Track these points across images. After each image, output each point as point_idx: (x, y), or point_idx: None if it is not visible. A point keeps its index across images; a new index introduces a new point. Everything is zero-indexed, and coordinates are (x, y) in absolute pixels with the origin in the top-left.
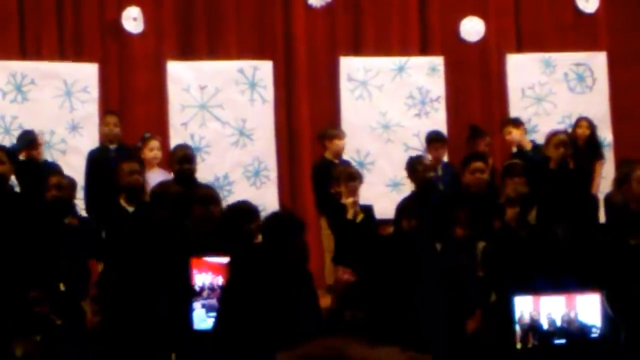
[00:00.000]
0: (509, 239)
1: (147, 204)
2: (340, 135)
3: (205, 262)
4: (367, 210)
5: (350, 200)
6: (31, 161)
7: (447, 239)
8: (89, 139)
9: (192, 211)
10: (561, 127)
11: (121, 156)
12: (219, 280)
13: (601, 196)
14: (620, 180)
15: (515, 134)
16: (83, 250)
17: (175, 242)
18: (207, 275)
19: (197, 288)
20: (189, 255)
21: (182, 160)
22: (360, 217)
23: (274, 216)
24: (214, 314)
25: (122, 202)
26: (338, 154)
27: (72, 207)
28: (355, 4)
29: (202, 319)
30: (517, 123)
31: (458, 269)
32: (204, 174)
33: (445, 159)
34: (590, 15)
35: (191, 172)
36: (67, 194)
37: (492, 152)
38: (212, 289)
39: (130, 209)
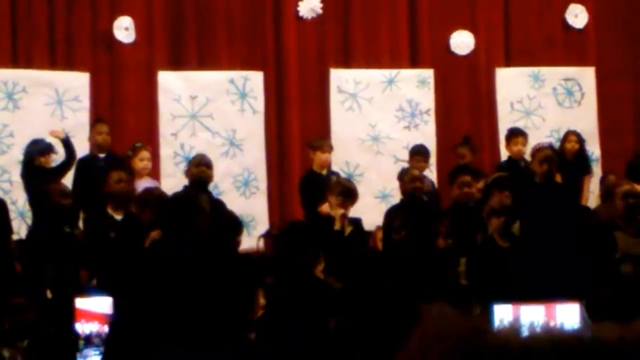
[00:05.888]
0: (492, 250)
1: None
2: (323, 148)
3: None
4: (356, 223)
5: (340, 211)
6: (42, 168)
7: (431, 250)
8: (80, 148)
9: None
10: (550, 140)
11: (110, 165)
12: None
13: None
14: (606, 195)
15: (523, 144)
16: (77, 258)
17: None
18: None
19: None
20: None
21: (200, 164)
22: (348, 229)
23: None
24: None
25: (110, 210)
26: (323, 166)
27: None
28: (345, 16)
29: None
30: (524, 133)
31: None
32: None
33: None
34: (579, 31)
35: (207, 177)
36: (70, 202)
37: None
38: None
39: (118, 217)
